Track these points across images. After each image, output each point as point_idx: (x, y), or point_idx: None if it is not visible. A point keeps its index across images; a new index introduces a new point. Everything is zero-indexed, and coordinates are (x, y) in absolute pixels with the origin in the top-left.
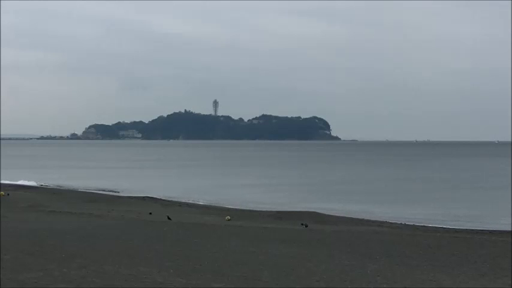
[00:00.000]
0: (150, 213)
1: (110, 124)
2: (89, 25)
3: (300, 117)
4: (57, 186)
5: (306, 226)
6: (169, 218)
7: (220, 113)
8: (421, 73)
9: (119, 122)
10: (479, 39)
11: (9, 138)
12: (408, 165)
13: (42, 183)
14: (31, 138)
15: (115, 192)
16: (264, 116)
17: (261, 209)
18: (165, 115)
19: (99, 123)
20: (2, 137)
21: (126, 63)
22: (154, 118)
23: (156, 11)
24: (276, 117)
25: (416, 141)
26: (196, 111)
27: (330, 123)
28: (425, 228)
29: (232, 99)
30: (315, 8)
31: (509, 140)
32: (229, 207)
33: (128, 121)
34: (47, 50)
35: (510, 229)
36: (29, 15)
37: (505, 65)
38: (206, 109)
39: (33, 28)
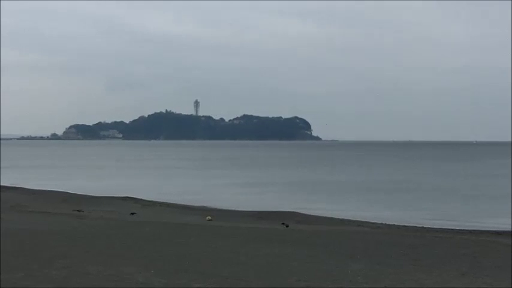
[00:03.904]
0: (132, 214)
1: (91, 124)
2: (74, 24)
3: (281, 117)
4: (37, 186)
5: (287, 226)
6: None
7: (201, 113)
8: (405, 73)
9: (100, 122)
10: (470, 39)
11: None
12: (388, 165)
13: (22, 184)
14: (11, 139)
15: (95, 192)
16: (245, 116)
17: (241, 209)
18: (146, 115)
19: (80, 123)
20: None
21: (108, 63)
22: (135, 118)
23: (136, 10)
24: (257, 117)
25: (394, 141)
26: (178, 112)
27: (311, 124)
28: (406, 228)
29: (214, 99)
30: (300, 8)
31: (491, 140)
32: (210, 207)
33: (109, 121)
34: (30, 49)
35: (490, 229)
36: (12, 14)
37: (494, 64)
38: (187, 109)
39: (18, 27)
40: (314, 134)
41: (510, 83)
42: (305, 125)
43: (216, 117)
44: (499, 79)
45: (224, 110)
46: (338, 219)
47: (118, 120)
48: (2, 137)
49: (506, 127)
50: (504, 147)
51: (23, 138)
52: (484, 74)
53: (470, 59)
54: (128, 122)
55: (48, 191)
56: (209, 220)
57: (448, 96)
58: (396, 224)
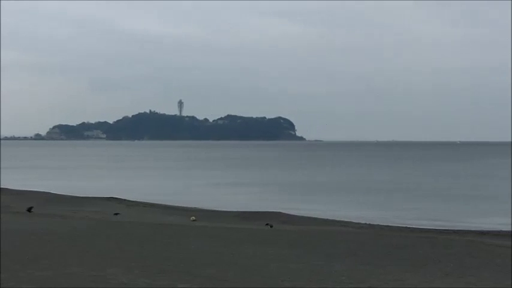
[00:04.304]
0: (116, 214)
1: (75, 124)
2: (57, 25)
3: (265, 117)
4: (21, 186)
5: (271, 226)
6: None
7: (185, 113)
8: (391, 74)
9: (84, 123)
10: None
11: None
12: (372, 166)
13: (6, 184)
14: None
15: (80, 192)
16: (229, 116)
17: (226, 209)
18: (130, 115)
19: (64, 124)
20: None
21: (92, 63)
22: (119, 118)
23: (121, 11)
24: (241, 118)
25: (378, 141)
26: (162, 112)
27: (295, 124)
28: (390, 228)
29: (198, 99)
30: (284, 7)
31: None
32: (194, 207)
33: (92, 121)
34: (13, 49)
35: (474, 229)
36: None
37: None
38: (171, 109)
39: (2, 27)
40: (298, 134)
41: (510, 83)
42: (289, 125)
43: (200, 117)
44: (498, 79)
45: (208, 110)
46: (322, 219)
47: (102, 120)
48: None
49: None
50: (496, 148)
51: (6, 138)
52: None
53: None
54: (111, 122)
55: (32, 191)
56: (193, 220)
57: (435, 96)
58: (380, 224)
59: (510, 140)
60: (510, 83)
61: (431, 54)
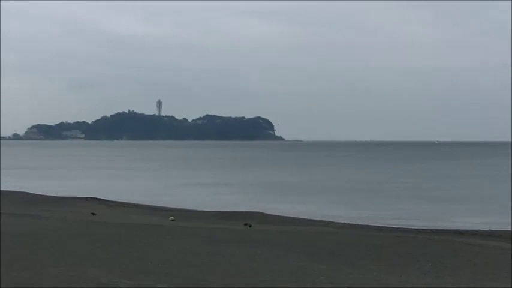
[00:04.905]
0: (93, 214)
1: (53, 124)
2: (36, 24)
3: (244, 117)
4: None
5: (250, 226)
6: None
7: (164, 113)
8: (370, 74)
9: (62, 122)
10: (438, 39)
11: None
12: (352, 166)
13: None
14: None
15: (58, 193)
16: (207, 116)
17: (205, 209)
18: (108, 115)
19: (42, 124)
20: None
21: (70, 63)
22: (97, 118)
23: (100, 11)
24: (220, 117)
25: (357, 141)
26: (140, 112)
27: (274, 124)
28: (369, 228)
29: (176, 99)
30: (262, 8)
31: (454, 140)
32: (173, 207)
33: (71, 121)
34: None
35: (453, 228)
36: None
37: (461, 65)
38: (150, 109)
39: None
40: (277, 134)
41: (484, 83)
42: (268, 125)
43: (179, 117)
44: (471, 79)
45: (187, 110)
46: (302, 219)
47: (80, 120)
48: None
49: (482, 127)
50: (473, 148)
51: None
52: (456, 75)
53: (439, 59)
54: (90, 122)
55: (9, 191)
56: (172, 220)
57: (412, 96)
58: (360, 224)
59: (487, 139)
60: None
61: (407, 54)
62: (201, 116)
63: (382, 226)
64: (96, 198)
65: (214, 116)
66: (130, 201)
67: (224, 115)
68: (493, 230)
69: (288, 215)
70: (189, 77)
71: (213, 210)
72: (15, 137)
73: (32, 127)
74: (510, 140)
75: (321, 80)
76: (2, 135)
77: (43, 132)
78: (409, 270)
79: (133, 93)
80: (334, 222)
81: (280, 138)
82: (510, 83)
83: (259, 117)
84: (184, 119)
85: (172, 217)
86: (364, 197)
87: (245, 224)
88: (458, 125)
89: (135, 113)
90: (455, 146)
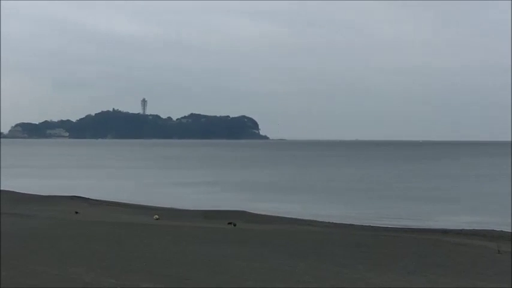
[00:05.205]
0: (77, 213)
1: (37, 123)
2: (21, 23)
3: (228, 116)
4: None
5: (235, 225)
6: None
7: (148, 111)
8: (355, 73)
9: (46, 121)
10: (423, 40)
11: None
12: (337, 165)
13: None
14: None
15: (42, 191)
16: (192, 115)
17: (189, 208)
18: (93, 114)
19: (26, 122)
20: None
21: (55, 62)
22: (82, 117)
23: (85, 10)
24: (205, 116)
25: (341, 140)
26: (125, 110)
27: (258, 123)
28: (353, 227)
29: (161, 98)
30: (249, 7)
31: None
32: (158, 206)
33: (55, 120)
34: None
35: (437, 227)
36: None
37: (446, 65)
38: (135, 108)
39: None
40: (262, 133)
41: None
42: (253, 124)
43: (164, 116)
44: (451, 79)
45: (172, 109)
46: (286, 218)
47: (64, 119)
48: None
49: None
50: (457, 148)
51: None
52: (439, 75)
53: (422, 60)
54: (74, 121)
55: None
56: (157, 219)
57: (402, 96)
58: (345, 223)
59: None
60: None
61: (394, 55)
62: (186, 114)
63: (366, 225)
64: (81, 197)
65: (199, 114)
66: (115, 200)
67: (209, 114)
68: (477, 229)
69: (273, 214)
70: (174, 75)
71: (198, 209)
72: None
73: (16, 125)
74: (510, 139)
75: (307, 79)
76: None
77: (27, 131)
78: (393, 269)
79: (118, 92)
80: (318, 221)
81: (265, 137)
82: (510, 82)
83: (244, 116)
84: (169, 118)
85: (156, 216)
86: (348, 196)
87: (230, 223)
88: (441, 125)
89: (120, 111)
90: (439, 146)
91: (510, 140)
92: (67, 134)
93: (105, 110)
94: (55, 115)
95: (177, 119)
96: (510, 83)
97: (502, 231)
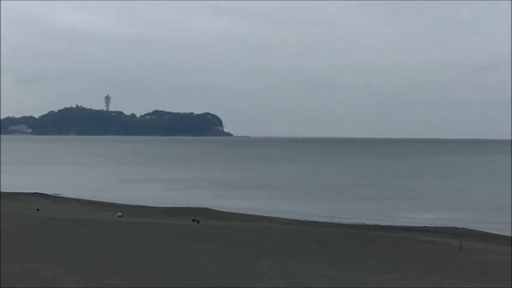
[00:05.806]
0: (38, 210)
1: None
2: None
3: (192, 113)
4: None
5: (198, 222)
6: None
7: (112, 108)
8: (320, 71)
9: (9, 117)
10: (388, 38)
11: None
12: (300, 162)
13: None
14: None
15: (3, 188)
16: (156, 112)
17: (152, 205)
18: (56, 110)
19: None
20: None
21: (18, 58)
22: (45, 113)
23: (49, 5)
24: (169, 113)
25: (304, 137)
26: (88, 107)
27: (222, 120)
28: (316, 224)
29: (125, 95)
30: (215, 4)
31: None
32: (121, 203)
33: (18, 116)
34: None
35: (400, 225)
36: None
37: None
38: (98, 105)
39: None
40: (226, 130)
41: (415, 80)
42: (217, 121)
43: (127, 112)
44: (417, 76)
45: (135, 106)
46: (250, 215)
47: (27, 115)
48: None
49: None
50: (420, 145)
51: None
52: (404, 72)
53: (389, 57)
54: (37, 117)
55: None
56: (120, 216)
57: (365, 93)
58: (307, 219)
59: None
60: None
61: (360, 52)
62: (150, 111)
63: (329, 222)
64: (43, 194)
65: (163, 111)
66: (78, 197)
67: (173, 111)
68: (439, 227)
69: (236, 211)
70: (137, 72)
71: (162, 206)
72: None
73: None
74: (510, 138)
75: (271, 77)
76: None
77: None
78: (356, 266)
79: (81, 88)
80: (280, 218)
81: (229, 134)
82: (510, 82)
83: (207, 113)
84: (133, 115)
85: (120, 213)
86: (311, 193)
87: (193, 220)
88: (406, 122)
89: (83, 108)
90: (402, 143)
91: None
92: (30, 130)
93: (69, 106)
94: (17, 111)
95: (140, 116)
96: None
97: (464, 228)
